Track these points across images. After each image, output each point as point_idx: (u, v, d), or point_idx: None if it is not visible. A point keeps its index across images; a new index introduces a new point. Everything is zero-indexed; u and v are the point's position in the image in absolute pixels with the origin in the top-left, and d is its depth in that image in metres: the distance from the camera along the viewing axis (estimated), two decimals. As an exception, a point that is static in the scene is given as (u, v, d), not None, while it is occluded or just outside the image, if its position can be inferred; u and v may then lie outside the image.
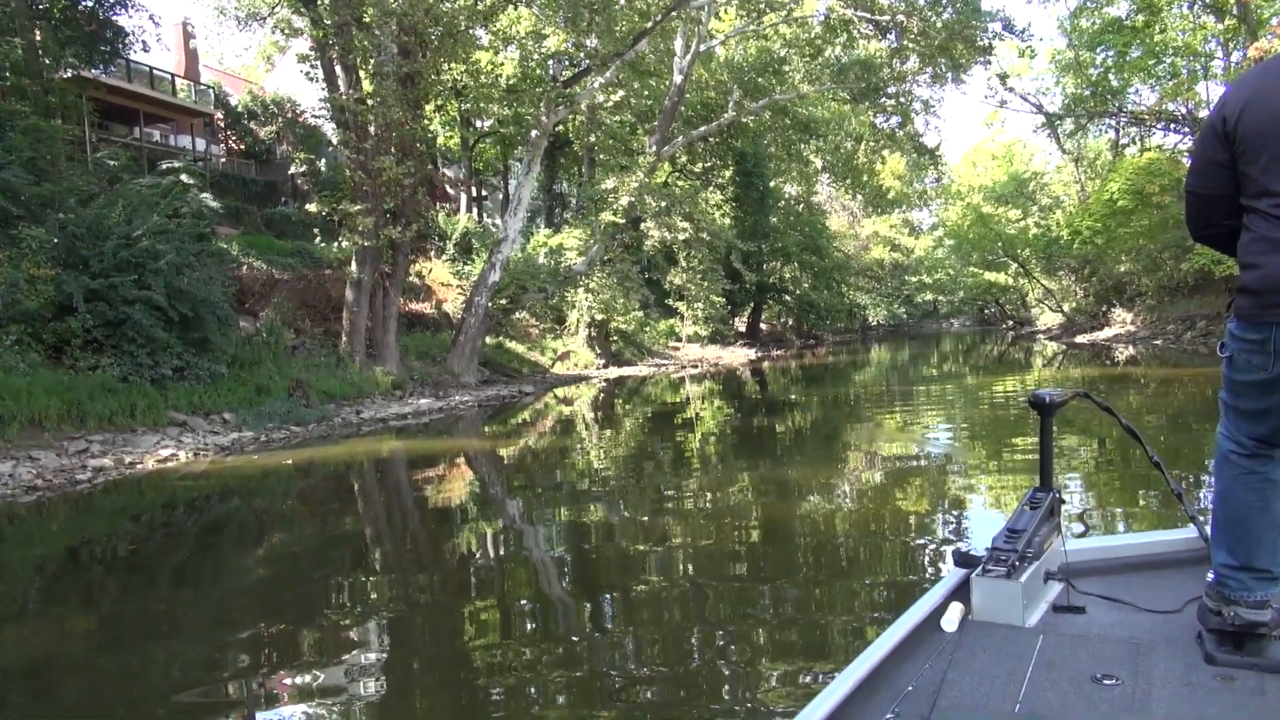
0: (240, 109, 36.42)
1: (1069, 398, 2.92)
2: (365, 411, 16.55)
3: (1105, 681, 2.14)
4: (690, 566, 6.26)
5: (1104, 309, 39.79)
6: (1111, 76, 34.65)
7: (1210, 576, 2.38)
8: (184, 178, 18.08)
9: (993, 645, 2.35)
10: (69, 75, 23.36)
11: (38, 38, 21.34)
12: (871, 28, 26.91)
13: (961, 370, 28.32)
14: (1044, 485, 2.84)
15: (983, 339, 50.78)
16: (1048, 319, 49.06)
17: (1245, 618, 2.24)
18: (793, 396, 21.68)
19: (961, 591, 2.59)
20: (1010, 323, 58.64)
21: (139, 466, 11.12)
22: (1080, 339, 35.73)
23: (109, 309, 13.28)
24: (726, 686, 4.08)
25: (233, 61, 47.89)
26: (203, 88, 35.21)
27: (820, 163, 41.11)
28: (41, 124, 17.00)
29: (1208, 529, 2.58)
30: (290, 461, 11.98)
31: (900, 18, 25.67)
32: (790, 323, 51.56)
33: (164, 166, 19.47)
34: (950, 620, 2.44)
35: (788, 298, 46.01)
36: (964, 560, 2.68)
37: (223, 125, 36.59)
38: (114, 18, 23.08)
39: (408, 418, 16.92)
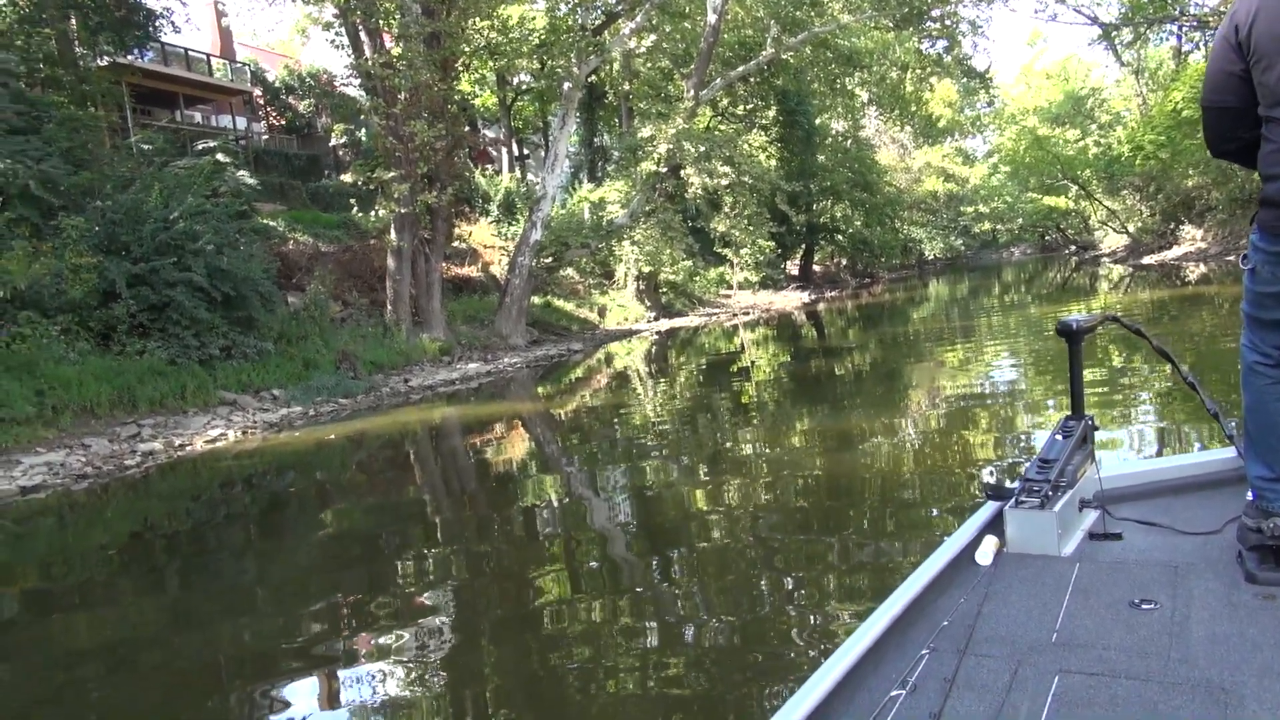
0: (278, 84, 36.45)
1: (1097, 322, 2.88)
2: (413, 379, 16.52)
3: (1144, 606, 2.13)
4: (749, 516, 6.16)
5: (1172, 227, 38.14)
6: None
7: (1250, 495, 2.35)
8: (220, 157, 18.06)
9: (1028, 576, 2.34)
10: (105, 63, 23.53)
11: (72, 26, 21.48)
12: (912, -53, 25.75)
13: (1023, 300, 27.40)
14: (1076, 413, 2.80)
15: (1045, 266, 49.24)
16: (1112, 241, 47.31)
17: None
18: (849, 338, 21.19)
19: (995, 524, 2.55)
20: (1073, 248, 56.75)
21: (188, 448, 11.19)
22: (1148, 260, 34.34)
23: (152, 293, 13.34)
24: (784, 628, 4.11)
25: (267, 37, 47.92)
26: (239, 66, 35.28)
27: (866, 95, 39.78)
28: (78, 113, 17.08)
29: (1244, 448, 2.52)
30: (333, 436, 11.96)
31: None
32: (844, 262, 50.56)
33: (200, 147, 19.47)
34: (985, 554, 2.42)
35: (840, 237, 45.01)
36: (997, 493, 2.63)
37: (262, 102, 36.67)
38: (142, 1, 23.13)
39: (456, 383, 16.86)
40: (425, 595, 5.22)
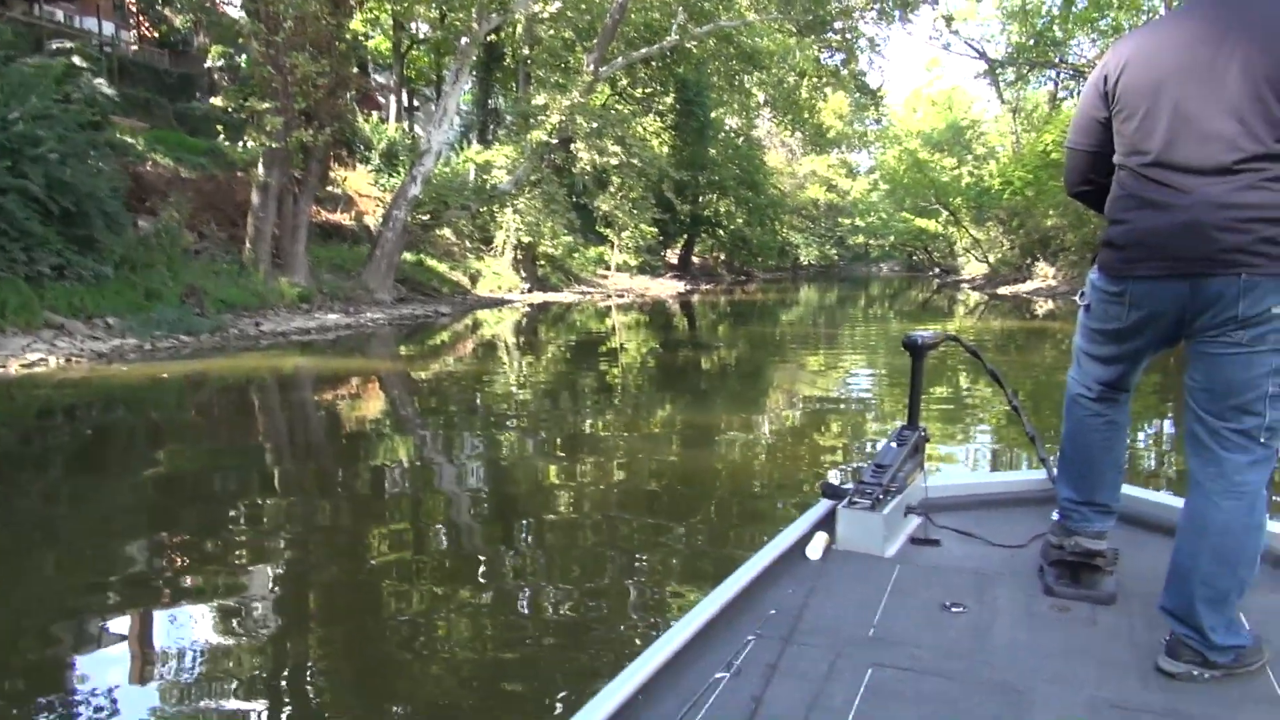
0: (155, -7, 33.96)
1: (939, 340, 3.02)
2: (265, 324, 15.71)
3: (953, 609, 2.29)
4: (598, 494, 6.16)
5: (1028, 262, 40.31)
6: (1056, 27, 34.51)
7: (1055, 515, 2.54)
8: (77, 60, 16.63)
9: (853, 573, 2.47)
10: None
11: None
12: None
13: (885, 315, 28.42)
14: (911, 423, 2.95)
15: (909, 285, 51.27)
16: (973, 269, 49.65)
17: (1084, 546, 2.42)
18: (718, 332, 21.44)
19: (828, 522, 2.67)
20: (937, 270, 59.31)
21: (0, 371, 10.26)
22: (1003, 290, 36.20)
23: (-22, 197, 12.18)
24: (621, 605, 4.17)
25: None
26: (112, -35, 32.67)
27: (762, 96, 40.35)
28: (-88, -12, 15.37)
29: (1056, 471, 2.72)
30: (165, 375, 11.22)
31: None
32: (722, 257, 51.27)
33: (54, 46, 17.91)
34: (815, 549, 2.53)
35: (721, 232, 45.61)
36: (832, 492, 2.74)
37: (134, 9, 34.14)
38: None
39: (312, 333, 16.15)
40: (252, 549, 4.94)
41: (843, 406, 10.15)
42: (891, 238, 62.57)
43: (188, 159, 22.87)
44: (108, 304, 13.53)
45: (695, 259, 47.53)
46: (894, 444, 2.83)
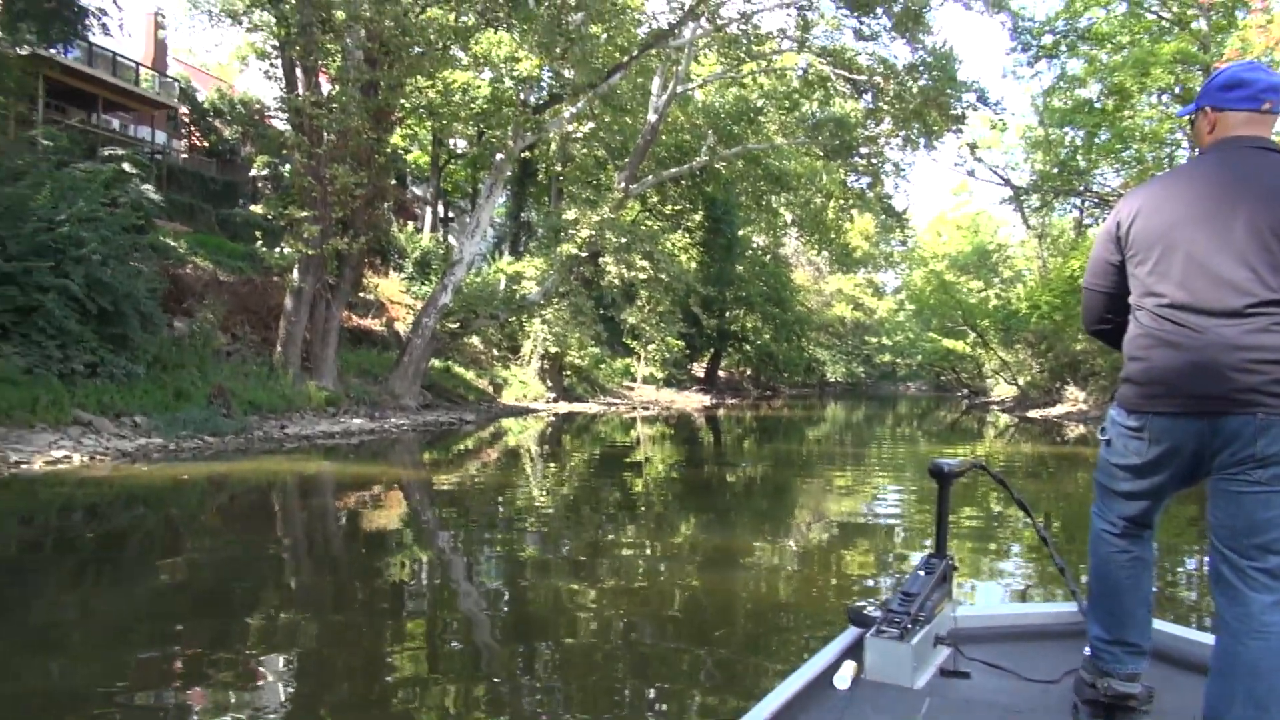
0: (207, 105, 35.55)
1: (966, 468, 3.00)
2: (290, 427, 15.73)
3: None
4: (619, 617, 5.95)
5: (1058, 385, 39.97)
6: (1080, 157, 35.08)
7: (1087, 650, 2.51)
8: (126, 166, 17.25)
9: (883, 705, 2.39)
10: (24, 52, 22.53)
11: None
12: (849, 87, 26.97)
13: (913, 435, 28.07)
14: (939, 551, 2.90)
15: (937, 405, 50.90)
16: (1002, 390, 49.30)
17: (1117, 689, 2.38)
18: (744, 448, 21.23)
19: (855, 650, 2.62)
20: (965, 391, 58.94)
21: (24, 467, 10.27)
22: (1033, 413, 35.77)
23: (20, 294, 12.45)
24: None
25: (205, 57, 47.01)
26: (168, 80, 34.37)
27: (789, 216, 41.11)
28: (-22, 97, 16.15)
29: (1086, 604, 2.70)
30: (186, 477, 11.17)
31: (877, 79, 25.73)
32: (748, 372, 51.34)
33: (106, 153, 18.62)
34: (843, 678, 2.47)
35: (747, 347, 45.81)
36: (858, 619, 2.70)
37: (187, 120, 35.68)
38: (76, -3, 22.33)
39: (337, 437, 16.13)
40: (266, 660, 4.78)
41: (869, 529, 9.87)
42: (919, 357, 62.51)
43: (227, 263, 23.43)
44: (137, 402, 13.63)
45: (721, 373, 47.61)
46: (922, 572, 2.80)
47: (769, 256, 46.60)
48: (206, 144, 35.46)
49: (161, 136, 33.11)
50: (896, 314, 63.18)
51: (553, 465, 15.47)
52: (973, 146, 36.35)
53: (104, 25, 23.51)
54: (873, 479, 15.18)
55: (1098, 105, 32.74)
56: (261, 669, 4.58)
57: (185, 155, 34.70)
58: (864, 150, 29.34)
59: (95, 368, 13.34)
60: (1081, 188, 37.46)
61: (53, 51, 24.40)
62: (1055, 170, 36.80)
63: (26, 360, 12.36)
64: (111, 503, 9.69)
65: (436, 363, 24.22)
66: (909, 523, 10.29)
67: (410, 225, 37.53)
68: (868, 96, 27.07)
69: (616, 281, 26.19)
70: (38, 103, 25.51)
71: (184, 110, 34.76)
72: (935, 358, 57.77)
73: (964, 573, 7.08)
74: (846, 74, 25.72)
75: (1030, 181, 39.89)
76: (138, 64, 32.43)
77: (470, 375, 26.60)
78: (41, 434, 11.62)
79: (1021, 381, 44.71)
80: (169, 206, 25.47)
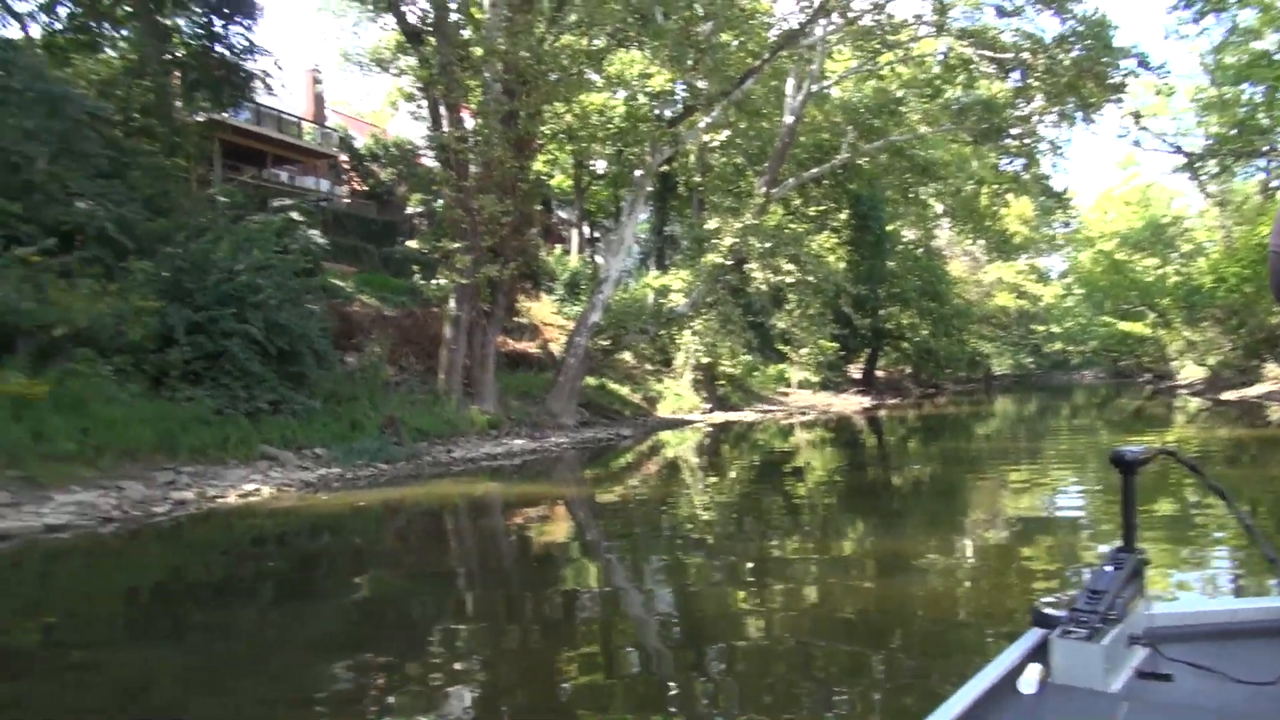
0: (364, 151, 37.63)
1: (1152, 455, 2.70)
2: (456, 451, 16.30)
3: None
4: (791, 621, 5.90)
5: (1254, 363, 36.71)
6: (1261, 114, 32.23)
7: None
8: (294, 215, 18.45)
9: (1074, 710, 2.22)
10: (200, 118, 24.49)
11: (174, 81, 22.44)
12: (993, 67, 25.79)
13: (1093, 426, 26.39)
14: (1127, 546, 2.67)
15: (1118, 393, 47.78)
16: (1190, 373, 45.75)
17: None
18: (909, 448, 20.55)
19: (1040, 652, 2.41)
20: (1149, 376, 55.07)
21: (220, 500, 11.02)
22: (1227, 395, 32.97)
23: (208, 341, 13.43)
24: None
25: (359, 106, 49.81)
26: (328, 131, 36.57)
27: (940, 206, 39.65)
28: (164, 162, 17.61)
29: None
30: (363, 503, 11.72)
31: (1024, 56, 24.46)
32: (908, 370, 49.73)
33: (276, 204, 19.97)
34: (1028, 682, 2.29)
35: (905, 344, 44.39)
36: (1042, 620, 2.50)
37: (347, 167, 37.88)
38: (242, 63, 24.12)
39: (500, 458, 16.59)
40: (448, 671, 5.03)
41: (1050, 525, 9.30)
42: (1093, 343, 58.86)
43: (390, 298, 24.66)
44: (316, 435, 14.45)
45: (880, 373, 46.33)
46: (1109, 568, 2.57)
47: (921, 250, 45.06)
48: (366, 187, 37.53)
49: (325, 184, 35.26)
50: (1064, 299, 59.79)
51: (713, 475, 15.39)
52: (1136, 115, 34.03)
53: (268, 86, 25.28)
54: (1051, 473, 14.33)
55: (1277, 57, 30.01)
56: (448, 683, 4.76)
57: (347, 200, 36.81)
58: (1015, 131, 27.97)
59: (277, 405, 14.24)
60: (1265, 148, 34.40)
61: (225, 115, 26.39)
62: (1233, 132, 33.97)
63: (217, 402, 13.33)
64: (299, 531, 10.28)
65: (591, 380, 24.62)
66: (1093, 517, 9.63)
67: (558, 248, 38.44)
68: (1015, 75, 25.80)
69: (764, 287, 25.94)
70: (214, 163, 27.63)
71: (343, 158, 36.91)
72: (1111, 342, 54.28)
73: (1158, 567, 6.59)
74: (990, 53, 24.61)
75: (1205, 146, 37.00)
76: (300, 118, 34.67)
77: (625, 390, 26.88)
78: (234, 469, 12.47)
79: (1211, 361, 41.34)
80: (335, 249, 27.02)
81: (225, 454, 12.83)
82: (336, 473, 13.38)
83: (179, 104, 22.94)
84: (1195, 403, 32.84)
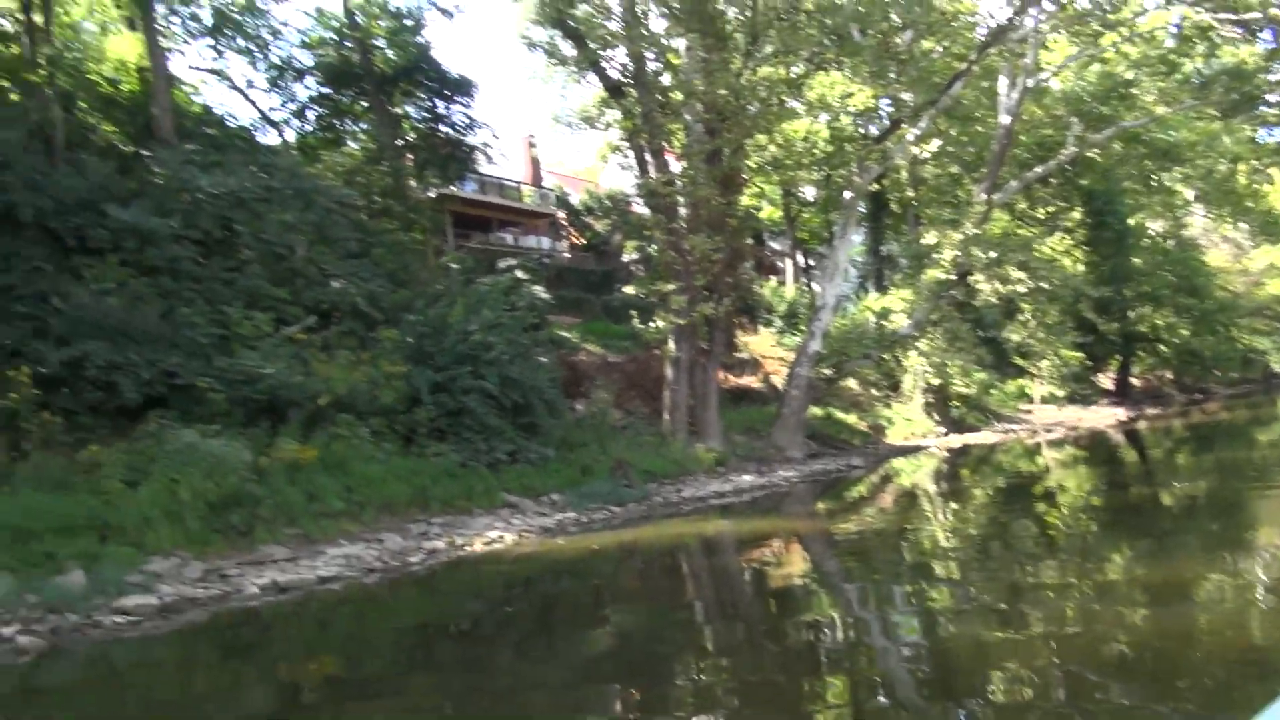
0: (579, 206, 39.35)
1: None
2: (685, 490, 16.44)
3: None
4: (1052, 665, 5.45)
5: None
6: None
7: None
8: (519, 274, 19.50)
9: None
10: (432, 194, 26.57)
11: (409, 162, 24.53)
12: (1239, 30, 23.28)
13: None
14: None
15: None
16: None
17: None
18: (1177, 462, 18.64)
19: None
20: None
21: (467, 549, 11.66)
22: None
23: (449, 399, 14.36)
24: None
25: (573, 164, 52.23)
26: (545, 191, 38.56)
27: (1190, 192, 36.03)
28: (403, 238, 19.18)
29: None
30: (596, 546, 12.02)
31: (1274, 10, 21.92)
32: (1169, 376, 45.26)
33: (502, 265, 21.21)
34: None
35: (1162, 347, 40.45)
36: None
37: (565, 223, 39.73)
38: (464, 138, 26.00)
39: (728, 495, 16.56)
40: (697, 704, 5.27)
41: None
42: (1398, 326, 51.15)
43: (613, 344, 25.44)
44: (551, 481, 15.05)
45: (1135, 380, 42.47)
46: None
47: (1172, 241, 41.09)
48: (583, 240, 39.16)
49: (546, 241, 37.12)
50: (1356, 277, 52.36)
51: (953, 503, 14.62)
52: None
53: (488, 157, 27.09)
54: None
55: None
56: (694, 713, 4.95)
57: (568, 255, 38.53)
58: (1271, 98, 25.03)
59: (515, 455, 14.98)
60: None
61: (453, 188, 28.48)
62: None
63: (460, 455, 14.20)
64: (542, 575, 10.71)
65: (816, 410, 24.15)
66: None
67: (773, 280, 38.26)
68: (1265, 34, 23.16)
69: (993, 299, 24.55)
70: (447, 233, 29.80)
71: (561, 215, 38.77)
72: None
73: None
74: (1233, 15, 22.22)
75: None
76: (519, 183, 36.82)
77: (852, 419, 26.16)
78: (478, 518, 13.20)
79: None
80: (559, 302, 28.26)
81: (471, 504, 13.62)
82: (572, 517, 13.84)
83: (413, 183, 25.03)
84: None
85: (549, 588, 9.95)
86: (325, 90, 25.43)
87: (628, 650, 6.69)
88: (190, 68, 23.85)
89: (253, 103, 24.84)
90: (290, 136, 25.44)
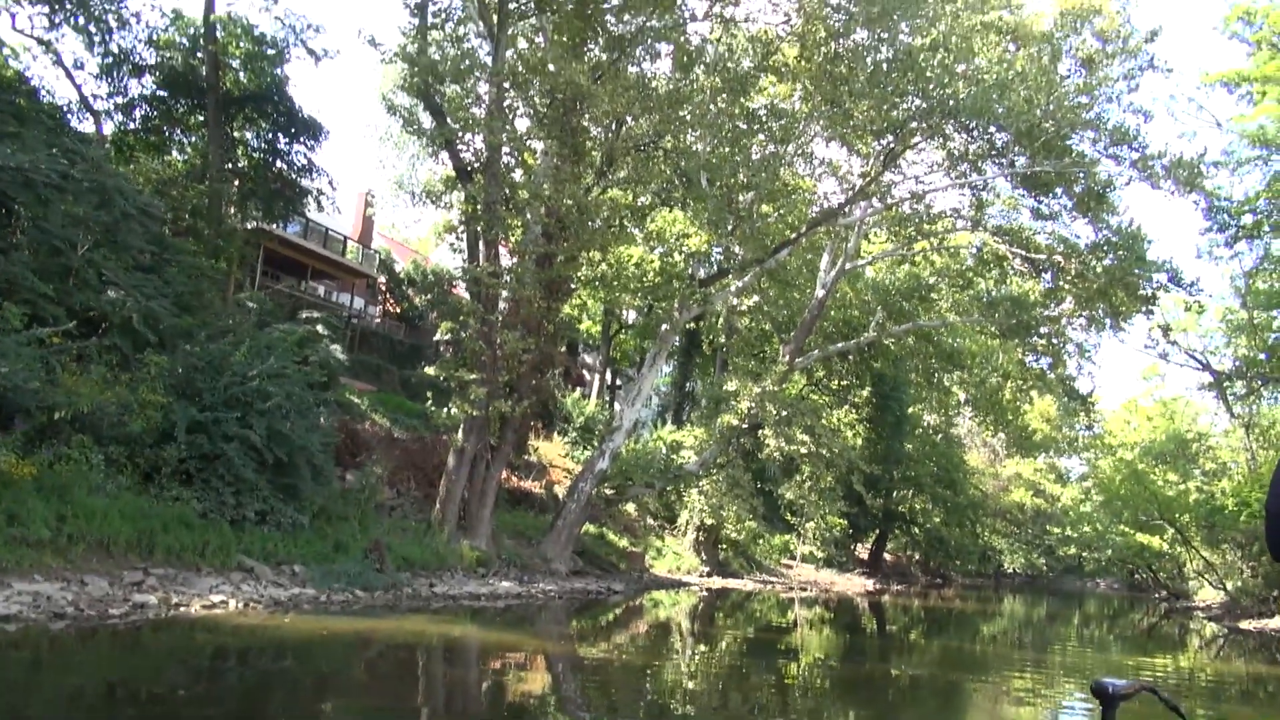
0: (403, 275, 38.55)
1: (1134, 690, 2.64)
2: (440, 586, 15.77)
3: None
4: None
5: (1276, 594, 35.43)
6: (1291, 343, 32.29)
7: None
8: (320, 328, 18.62)
9: None
10: (250, 226, 25.25)
11: (234, 190, 23.27)
12: (1026, 265, 26.17)
13: (1105, 641, 25.27)
14: None
15: (1130, 606, 46.19)
16: (1207, 595, 44.23)
17: None
18: (910, 640, 19.67)
19: None
20: (1163, 593, 53.28)
21: (183, 610, 10.60)
22: (1245, 624, 31.65)
23: (207, 442, 13.26)
24: None
25: (406, 232, 51.41)
26: (371, 252, 37.56)
27: (963, 395, 39.53)
28: (200, 262, 17.98)
29: None
30: (326, 632, 11.21)
31: (1058, 258, 24.84)
32: (917, 557, 48.50)
33: (303, 315, 20.23)
34: None
35: (916, 530, 43.45)
36: None
37: (384, 288, 38.72)
38: (299, 179, 25.05)
39: (483, 599, 16.02)
40: None
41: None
42: (1109, 552, 57.33)
43: (403, 420, 24.58)
44: (298, 552, 14.04)
45: (888, 556, 45.17)
46: None
47: (940, 436, 44.69)
48: (399, 310, 38.22)
49: (359, 302, 35.95)
50: (1082, 503, 58.59)
51: (703, 644, 14.74)
52: (1165, 329, 34.24)
53: (319, 204, 26.15)
54: (1056, 686, 13.56)
55: (1309, 287, 30.36)
56: None
57: (378, 320, 37.42)
58: (1044, 330, 28.08)
59: (265, 516, 13.92)
60: (1294, 375, 34.24)
61: (273, 226, 27.20)
62: (1263, 357, 33.95)
63: (203, 505, 13.05)
64: (260, 651, 9.80)
65: (591, 528, 24.09)
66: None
67: (578, 391, 38.53)
68: (1047, 275, 26.14)
69: (776, 455, 25.62)
70: (255, 270, 28.30)
71: (382, 279, 37.78)
72: (1128, 553, 52.84)
73: None
74: (1024, 253, 25.00)
75: (1234, 367, 36.91)
76: (346, 237, 35.71)
77: (624, 543, 26.24)
78: (206, 577, 12.05)
79: (1230, 586, 39.99)
80: (358, 366, 27.21)
81: (201, 560, 12.45)
82: (310, 594, 12.90)
83: (232, 211, 23.72)
84: (1211, 627, 31.54)
85: (262, 667, 9.11)
86: (161, 93, 23.98)
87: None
88: (14, 29, 21.75)
89: (77, 85, 22.89)
90: (108, 130, 23.68)
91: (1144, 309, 25.48)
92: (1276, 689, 15.61)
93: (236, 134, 24.52)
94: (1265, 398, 40.08)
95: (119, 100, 23.69)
